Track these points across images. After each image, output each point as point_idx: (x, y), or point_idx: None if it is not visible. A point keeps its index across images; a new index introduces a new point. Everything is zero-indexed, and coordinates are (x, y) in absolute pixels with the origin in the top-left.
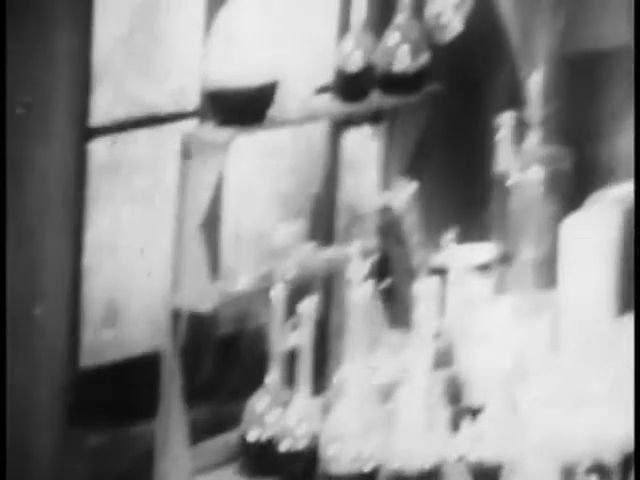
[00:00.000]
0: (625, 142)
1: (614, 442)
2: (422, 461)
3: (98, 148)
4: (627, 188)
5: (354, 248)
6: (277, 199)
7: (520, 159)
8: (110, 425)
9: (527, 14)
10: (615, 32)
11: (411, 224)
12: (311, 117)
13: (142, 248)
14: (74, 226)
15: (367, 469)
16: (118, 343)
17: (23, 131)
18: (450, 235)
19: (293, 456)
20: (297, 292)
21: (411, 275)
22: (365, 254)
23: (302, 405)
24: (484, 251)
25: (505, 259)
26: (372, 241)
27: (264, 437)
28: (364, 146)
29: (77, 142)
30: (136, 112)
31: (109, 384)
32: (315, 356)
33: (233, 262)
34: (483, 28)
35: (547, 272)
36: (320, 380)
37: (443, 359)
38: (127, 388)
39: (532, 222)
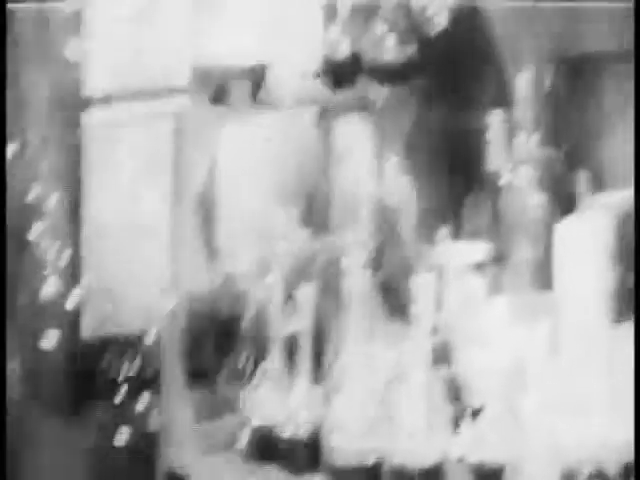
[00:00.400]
0: (620, 145)
1: (615, 448)
2: (423, 458)
3: (91, 127)
4: (622, 192)
5: (350, 238)
6: (272, 183)
7: (511, 159)
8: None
9: (515, 13)
10: (609, 35)
11: (405, 217)
12: (301, 102)
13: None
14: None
15: (369, 462)
16: (117, 322)
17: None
18: (444, 231)
19: (295, 443)
20: (294, 278)
21: (407, 269)
22: (361, 244)
23: (303, 392)
24: (478, 249)
25: (499, 259)
26: (367, 232)
27: (266, 423)
28: (355, 135)
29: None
30: (128, 87)
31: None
32: (315, 344)
33: (229, 246)
34: (470, 25)
35: (542, 274)
36: (321, 368)
37: (441, 356)
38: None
39: (525, 223)
